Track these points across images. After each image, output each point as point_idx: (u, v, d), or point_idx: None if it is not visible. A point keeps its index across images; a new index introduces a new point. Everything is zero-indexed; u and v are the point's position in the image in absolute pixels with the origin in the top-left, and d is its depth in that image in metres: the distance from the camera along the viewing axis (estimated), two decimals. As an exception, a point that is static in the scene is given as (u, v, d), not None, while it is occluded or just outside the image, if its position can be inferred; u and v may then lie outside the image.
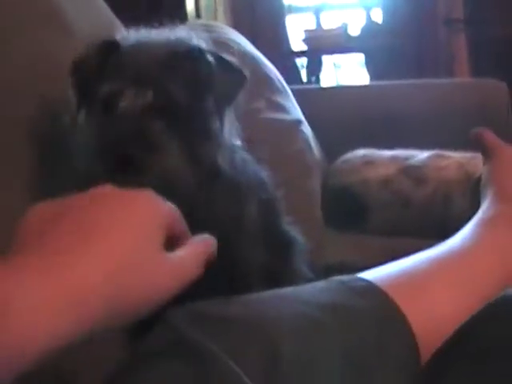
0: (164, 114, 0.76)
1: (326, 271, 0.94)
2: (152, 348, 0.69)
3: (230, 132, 0.84)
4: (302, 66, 3.47)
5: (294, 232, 1.03)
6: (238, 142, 0.88)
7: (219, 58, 0.82)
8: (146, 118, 0.75)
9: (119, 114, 0.75)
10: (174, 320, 0.70)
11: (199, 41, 0.82)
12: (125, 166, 0.72)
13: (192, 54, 0.80)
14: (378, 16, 3.48)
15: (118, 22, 1.23)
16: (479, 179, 1.11)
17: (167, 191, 0.71)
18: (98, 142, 0.75)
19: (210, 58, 0.80)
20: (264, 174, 0.99)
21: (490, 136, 1.11)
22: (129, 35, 0.82)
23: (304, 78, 3.33)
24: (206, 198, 0.82)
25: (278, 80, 1.73)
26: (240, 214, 0.86)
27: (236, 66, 0.83)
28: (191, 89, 0.78)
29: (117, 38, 0.81)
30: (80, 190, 0.60)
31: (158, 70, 0.77)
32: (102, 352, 0.75)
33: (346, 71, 3.67)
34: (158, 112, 0.75)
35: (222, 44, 1.44)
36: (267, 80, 1.65)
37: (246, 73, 0.83)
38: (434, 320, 0.79)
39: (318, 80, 3.29)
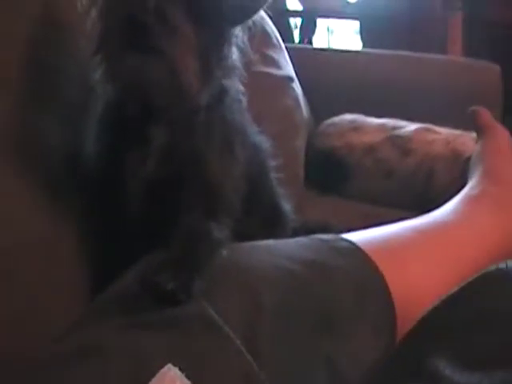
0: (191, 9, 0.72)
1: (307, 231, 0.94)
2: (119, 293, 0.68)
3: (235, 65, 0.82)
4: (296, 27, 3.43)
5: (286, 205, 1.03)
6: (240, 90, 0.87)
7: None
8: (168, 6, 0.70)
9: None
10: (145, 267, 0.69)
11: None
12: (143, 37, 0.68)
13: None
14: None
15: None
16: (469, 159, 1.11)
17: (172, 80, 0.71)
18: (114, 13, 0.71)
19: None
20: (262, 140, 0.98)
21: (486, 115, 1.11)
22: None
23: (296, 39, 3.30)
24: (206, 115, 0.80)
25: (274, 35, 1.70)
26: (231, 147, 0.85)
27: None
28: None
29: None
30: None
31: None
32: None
33: (338, 37, 3.64)
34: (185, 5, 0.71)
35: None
36: (264, 33, 1.61)
37: None
38: (410, 290, 0.79)
39: (310, 42, 3.25)
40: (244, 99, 0.89)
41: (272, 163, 1.02)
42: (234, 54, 0.81)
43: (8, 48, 0.77)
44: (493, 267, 0.62)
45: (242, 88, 0.86)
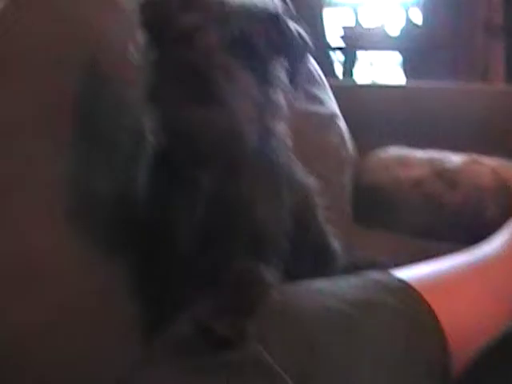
0: (241, 55, 0.73)
1: (356, 268, 0.94)
2: (175, 338, 0.69)
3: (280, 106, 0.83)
4: (338, 62, 3.45)
5: (334, 242, 1.04)
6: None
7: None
8: (224, 54, 0.71)
9: (198, 48, 0.70)
10: (198, 312, 0.70)
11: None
12: (204, 88, 0.69)
13: (273, 16, 0.79)
14: (417, 16, 3.44)
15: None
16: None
17: (230, 129, 0.71)
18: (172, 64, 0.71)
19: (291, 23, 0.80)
20: (309, 179, 0.98)
21: None
22: None
23: (339, 74, 3.32)
24: (253, 159, 0.80)
25: (317, 72, 1.71)
26: (278, 190, 0.86)
27: (302, 34, 0.83)
28: (269, 43, 0.78)
29: None
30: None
31: (245, 13, 0.75)
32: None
33: (380, 69, 3.65)
34: (236, 52, 0.73)
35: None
36: (306, 71, 1.63)
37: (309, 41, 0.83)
38: (464, 327, 0.78)
39: (351, 75, 3.27)
40: (289, 140, 0.89)
41: (319, 201, 1.02)
42: (279, 95, 0.82)
43: (60, 97, 0.80)
44: None
45: (287, 129, 0.87)
